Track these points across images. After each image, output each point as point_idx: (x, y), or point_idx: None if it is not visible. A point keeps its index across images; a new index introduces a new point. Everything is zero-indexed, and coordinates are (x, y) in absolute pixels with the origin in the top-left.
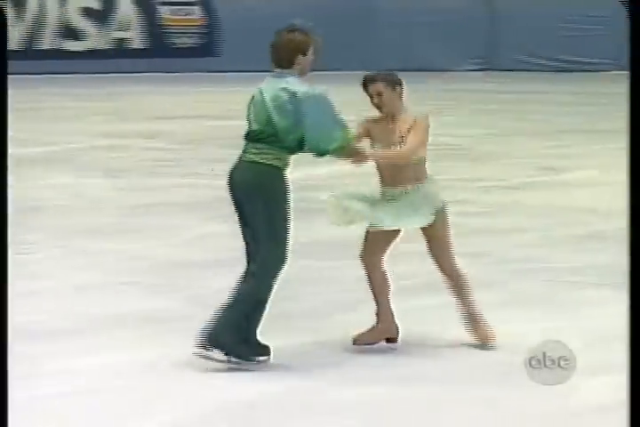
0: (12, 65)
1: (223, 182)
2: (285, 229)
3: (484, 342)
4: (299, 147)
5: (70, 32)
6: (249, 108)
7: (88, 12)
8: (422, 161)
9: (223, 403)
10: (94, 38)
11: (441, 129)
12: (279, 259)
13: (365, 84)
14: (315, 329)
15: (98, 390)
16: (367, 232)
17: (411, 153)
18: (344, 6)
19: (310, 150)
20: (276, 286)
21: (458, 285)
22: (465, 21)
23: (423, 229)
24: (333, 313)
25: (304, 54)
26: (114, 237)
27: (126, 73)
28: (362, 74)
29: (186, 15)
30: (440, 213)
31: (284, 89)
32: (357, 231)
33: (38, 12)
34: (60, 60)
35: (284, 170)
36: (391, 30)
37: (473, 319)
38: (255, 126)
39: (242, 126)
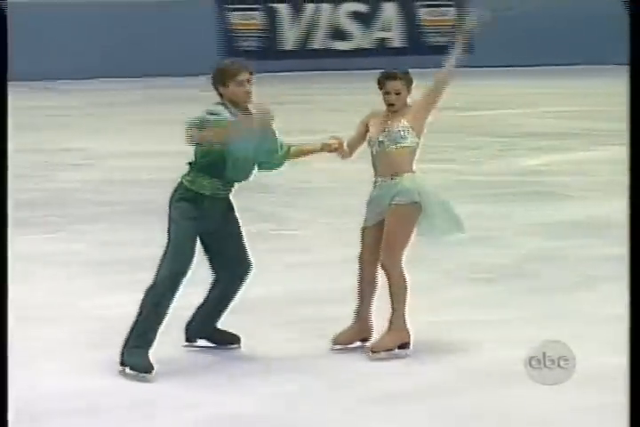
0: (286, 63)
1: (473, 168)
2: (180, 248)
3: (368, 348)
4: (216, 171)
5: (339, 33)
6: None
7: (356, 15)
8: (410, 152)
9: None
10: (359, 38)
11: None
12: (170, 275)
13: (384, 80)
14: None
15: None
16: (362, 232)
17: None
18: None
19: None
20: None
21: (391, 286)
22: None
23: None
24: (574, 290)
25: (223, 85)
26: None
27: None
28: (600, 68)
29: (441, 16)
30: (400, 209)
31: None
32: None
33: (312, 16)
34: (329, 58)
35: (193, 191)
36: (620, 23)
37: (391, 324)
38: None
39: (489, 117)
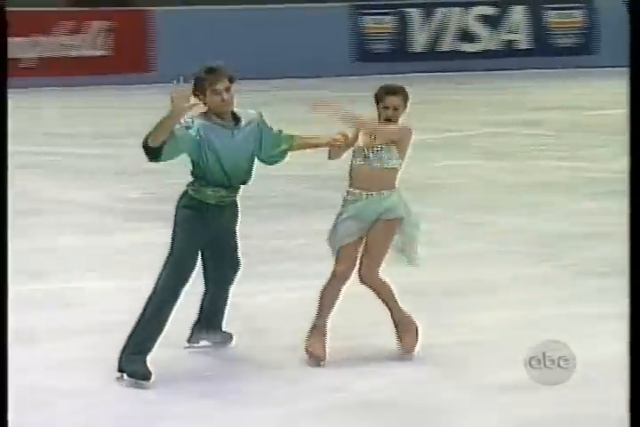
0: (415, 65)
1: (600, 165)
2: (183, 257)
3: (403, 353)
4: (216, 180)
5: (467, 35)
6: None
7: (484, 18)
8: (395, 171)
9: None
10: (486, 40)
11: None
12: (172, 283)
13: (384, 95)
14: None
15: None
16: (339, 249)
17: (395, 130)
18: None
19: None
20: None
21: (379, 294)
22: None
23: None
24: None
25: (202, 94)
26: (497, 211)
27: (513, 70)
28: None
29: (569, 18)
30: (388, 224)
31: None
32: None
33: (442, 20)
34: (457, 60)
35: (198, 200)
36: None
37: (398, 328)
38: None
39: (615, 115)
